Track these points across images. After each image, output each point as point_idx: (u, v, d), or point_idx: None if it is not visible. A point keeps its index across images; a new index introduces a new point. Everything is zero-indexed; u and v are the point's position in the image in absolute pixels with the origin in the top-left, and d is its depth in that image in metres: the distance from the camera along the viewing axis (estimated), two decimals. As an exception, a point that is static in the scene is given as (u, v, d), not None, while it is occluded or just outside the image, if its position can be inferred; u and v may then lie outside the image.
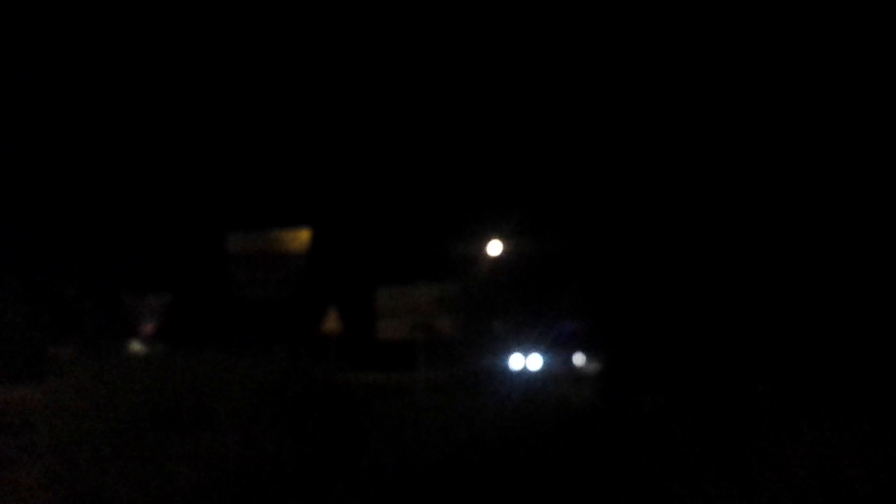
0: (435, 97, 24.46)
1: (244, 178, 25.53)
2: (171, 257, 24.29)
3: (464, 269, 19.63)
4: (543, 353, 19.56)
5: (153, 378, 8.77)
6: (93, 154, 26.89)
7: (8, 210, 24.21)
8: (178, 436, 7.87)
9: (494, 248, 20.16)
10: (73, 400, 8.70)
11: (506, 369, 18.73)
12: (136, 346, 19.04)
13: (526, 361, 19.34)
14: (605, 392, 15.91)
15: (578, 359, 21.17)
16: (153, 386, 8.56)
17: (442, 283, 18.64)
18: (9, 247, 22.31)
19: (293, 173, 25.38)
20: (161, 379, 8.69)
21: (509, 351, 19.25)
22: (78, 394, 8.78)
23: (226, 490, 7.05)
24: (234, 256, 18.55)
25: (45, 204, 25.81)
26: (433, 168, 22.81)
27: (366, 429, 7.94)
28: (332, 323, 19.97)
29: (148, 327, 20.18)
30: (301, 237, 18.76)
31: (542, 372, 19.46)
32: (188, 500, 7.09)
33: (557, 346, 19.56)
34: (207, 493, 7.08)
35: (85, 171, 26.37)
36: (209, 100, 28.17)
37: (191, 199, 24.87)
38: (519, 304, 19.44)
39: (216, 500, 7.08)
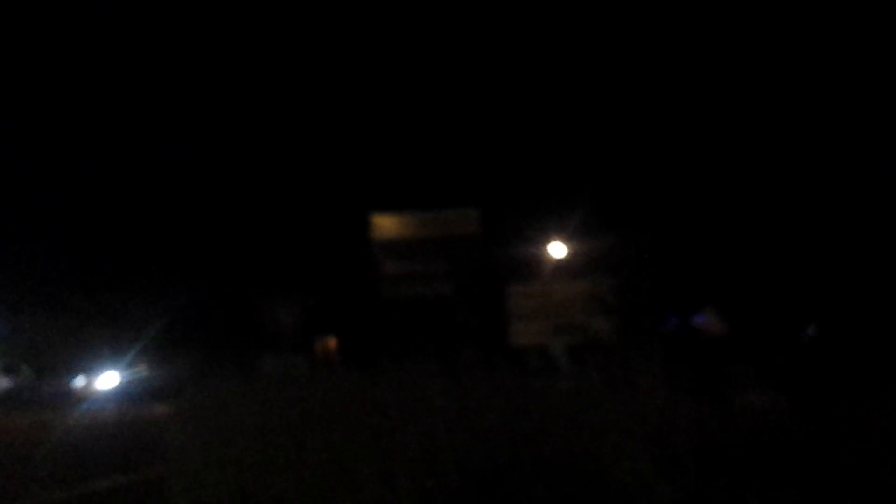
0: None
1: (389, 149, 21.86)
2: (306, 251, 20.65)
3: (616, 263, 16.20)
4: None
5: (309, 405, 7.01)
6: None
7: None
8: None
9: (557, 249, 16.92)
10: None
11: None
12: (272, 360, 15.75)
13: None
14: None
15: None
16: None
17: (588, 277, 15.22)
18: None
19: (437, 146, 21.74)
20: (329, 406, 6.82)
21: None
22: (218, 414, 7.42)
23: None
24: (383, 245, 15.21)
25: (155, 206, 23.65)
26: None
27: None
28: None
29: (286, 336, 16.92)
30: (469, 218, 15.20)
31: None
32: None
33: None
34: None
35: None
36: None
37: (322, 178, 21.47)
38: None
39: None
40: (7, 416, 16.82)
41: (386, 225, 15.61)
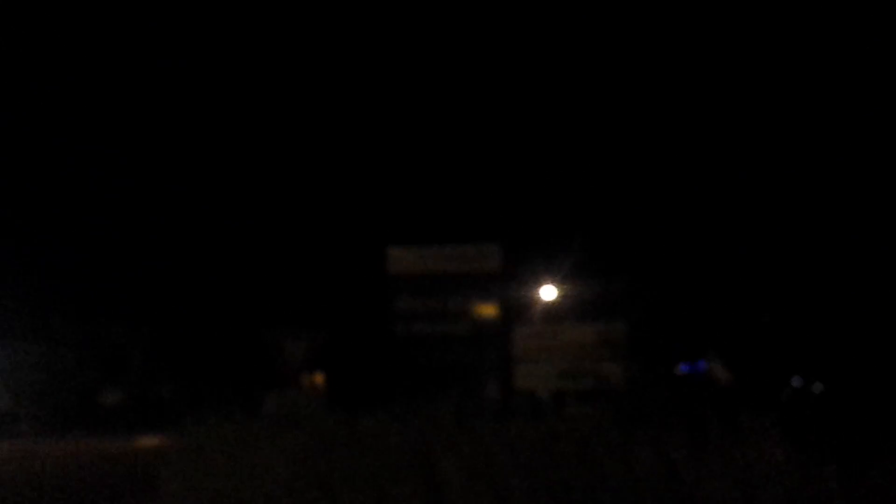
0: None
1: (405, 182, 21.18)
2: (318, 285, 19.81)
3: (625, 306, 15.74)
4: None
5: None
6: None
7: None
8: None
9: (548, 292, 16.55)
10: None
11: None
12: (277, 398, 14.85)
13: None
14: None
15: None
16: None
17: (599, 320, 14.72)
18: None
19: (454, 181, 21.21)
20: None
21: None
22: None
23: None
24: (397, 279, 14.48)
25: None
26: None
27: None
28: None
29: (300, 374, 15.99)
30: (490, 253, 14.51)
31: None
32: None
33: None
34: None
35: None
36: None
37: (337, 209, 20.70)
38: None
39: None
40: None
41: (401, 259, 14.94)
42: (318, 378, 18.49)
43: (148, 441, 16.76)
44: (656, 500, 4.83)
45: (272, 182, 23.52)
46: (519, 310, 15.42)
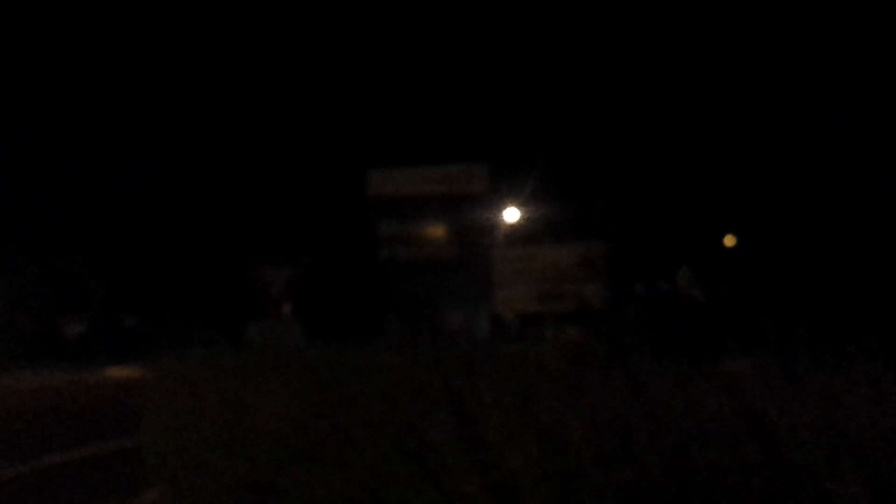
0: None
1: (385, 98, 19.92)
2: (298, 211, 18.74)
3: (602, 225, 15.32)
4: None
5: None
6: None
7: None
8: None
9: (511, 214, 16.21)
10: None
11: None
12: (260, 327, 14.18)
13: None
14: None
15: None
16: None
17: (580, 241, 14.35)
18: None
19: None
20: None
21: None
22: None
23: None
24: (379, 202, 13.85)
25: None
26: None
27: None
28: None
29: (284, 305, 15.27)
30: (477, 176, 13.91)
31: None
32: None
33: None
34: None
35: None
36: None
37: (316, 132, 19.52)
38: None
39: None
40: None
41: (384, 182, 14.29)
42: (288, 309, 17.88)
43: (116, 372, 16.30)
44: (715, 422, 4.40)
45: (248, 102, 22.26)
46: (501, 232, 15.00)
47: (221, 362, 7.12)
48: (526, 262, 14.63)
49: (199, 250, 19.03)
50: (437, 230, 14.23)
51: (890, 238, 16.52)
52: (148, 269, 20.13)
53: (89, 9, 24.22)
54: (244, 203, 19.15)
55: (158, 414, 6.62)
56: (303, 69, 22.16)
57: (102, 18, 24.56)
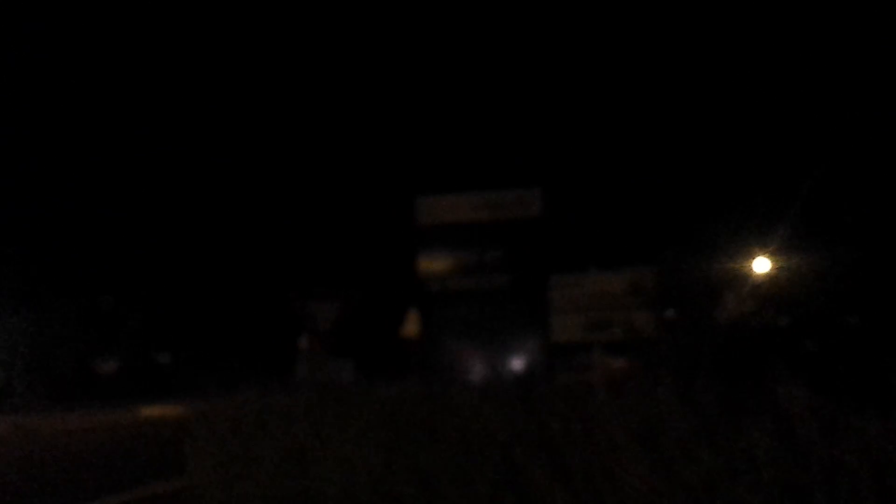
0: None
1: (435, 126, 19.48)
2: (346, 243, 18.07)
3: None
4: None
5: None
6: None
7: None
8: None
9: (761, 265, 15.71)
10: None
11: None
12: (308, 364, 13.51)
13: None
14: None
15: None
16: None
17: (627, 268, 13.73)
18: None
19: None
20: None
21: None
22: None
23: None
24: (422, 231, 13.30)
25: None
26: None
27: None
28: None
29: (327, 338, 14.62)
30: (530, 200, 13.33)
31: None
32: None
33: None
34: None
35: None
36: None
37: (362, 158, 19.16)
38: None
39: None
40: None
41: (428, 207, 13.77)
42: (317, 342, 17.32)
43: (151, 411, 15.93)
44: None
45: (292, 139, 22.01)
46: (557, 259, 14.47)
47: (274, 402, 6.52)
48: (575, 289, 14.04)
49: (242, 286, 18.65)
50: (489, 258, 13.63)
51: None
52: (187, 306, 19.77)
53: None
54: (289, 238, 18.77)
55: (205, 460, 6.02)
56: (348, 98, 21.93)
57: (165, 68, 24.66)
